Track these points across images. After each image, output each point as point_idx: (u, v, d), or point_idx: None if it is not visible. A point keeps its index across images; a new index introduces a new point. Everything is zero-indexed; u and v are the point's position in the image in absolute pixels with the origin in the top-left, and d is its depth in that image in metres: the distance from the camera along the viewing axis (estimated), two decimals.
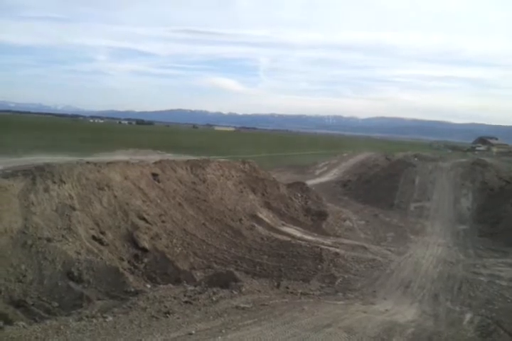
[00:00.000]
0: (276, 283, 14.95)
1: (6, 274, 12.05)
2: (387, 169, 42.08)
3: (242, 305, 10.91)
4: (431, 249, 21.88)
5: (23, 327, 8.61)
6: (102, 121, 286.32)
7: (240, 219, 22.11)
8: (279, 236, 21.32)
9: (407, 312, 13.36)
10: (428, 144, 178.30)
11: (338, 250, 19.81)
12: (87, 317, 9.35)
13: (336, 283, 15.93)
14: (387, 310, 13.31)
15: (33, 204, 14.67)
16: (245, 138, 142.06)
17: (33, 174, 15.87)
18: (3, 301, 11.19)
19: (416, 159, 42.61)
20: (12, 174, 15.88)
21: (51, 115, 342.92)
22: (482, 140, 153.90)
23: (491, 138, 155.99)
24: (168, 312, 9.77)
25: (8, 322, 9.24)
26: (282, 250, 19.04)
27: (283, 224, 24.10)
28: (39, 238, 13.51)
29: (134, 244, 16.16)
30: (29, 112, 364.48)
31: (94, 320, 9.06)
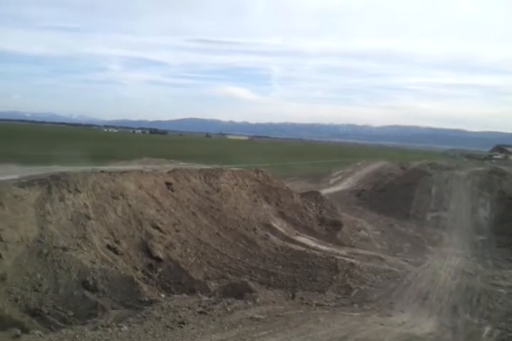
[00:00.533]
0: (291, 294, 14.80)
1: (22, 283, 12.12)
2: (403, 178, 41.67)
3: (256, 316, 10.80)
4: (448, 259, 21.51)
5: (40, 335, 8.62)
6: (115, 131, 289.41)
7: (254, 229, 22.01)
8: (294, 246, 21.16)
9: (424, 325, 13.10)
10: (443, 152, 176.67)
11: (353, 260, 19.58)
12: (102, 326, 9.32)
13: (352, 294, 15.69)
14: (404, 323, 13.06)
15: (48, 213, 14.77)
16: (258, 147, 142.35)
17: (49, 183, 16.00)
18: (19, 310, 11.23)
19: (428, 167, 42.22)
20: (28, 183, 16.03)
21: (66, 124, 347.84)
22: (499, 148, 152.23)
23: (509, 146, 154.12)
24: (183, 323, 9.71)
25: (25, 330, 9.24)
26: (297, 260, 18.86)
27: (297, 234, 23.94)
28: (54, 247, 13.58)
29: (148, 253, 16.15)
30: (44, 122, 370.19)
31: (110, 330, 9.04)
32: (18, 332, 8.64)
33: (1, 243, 12.58)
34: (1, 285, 11.68)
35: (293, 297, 14.52)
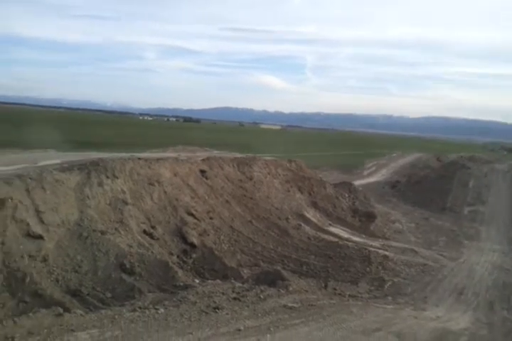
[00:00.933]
0: (323, 284, 14.77)
1: (63, 264, 12.58)
2: (439, 170, 40.77)
3: (289, 305, 10.86)
4: (486, 255, 20.94)
5: (81, 315, 8.95)
6: (150, 118, 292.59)
7: (287, 218, 22.04)
8: (326, 237, 21.08)
9: (460, 320, 12.82)
10: (482, 145, 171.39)
11: (387, 253, 19.35)
12: (139, 308, 9.59)
13: (386, 286, 15.51)
14: (438, 317, 12.83)
15: (88, 197, 15.22)
16: (291, 137, 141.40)
17: (88, 168, 16.47)
18: (60, 290, 11.68)
19: (466, 160, 41.27)
20: (68, 168, 16.52)
21: (101, 112, 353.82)
22: None
23: None
24: (218, 308, 9.88)
25: (66, 309, 9.60)
26: (329, 251, 18.80)
27: (330, 225, 23.82)
28: (94, 230, 14.01)
29: (183, 239, 16.45)
30: (78, 108, 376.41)
31: (147, 312, 9.29)
32: (61, 310, 9.00)
33: (43, 225, 13.07)
34: (43, 265, 12.17)
35: (325, 287, 14.49)
